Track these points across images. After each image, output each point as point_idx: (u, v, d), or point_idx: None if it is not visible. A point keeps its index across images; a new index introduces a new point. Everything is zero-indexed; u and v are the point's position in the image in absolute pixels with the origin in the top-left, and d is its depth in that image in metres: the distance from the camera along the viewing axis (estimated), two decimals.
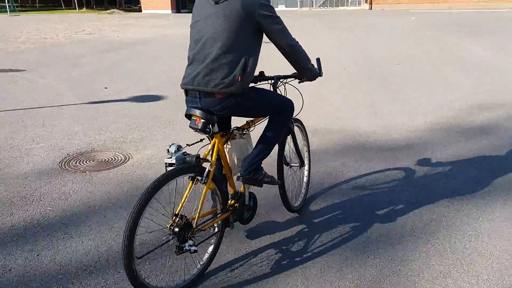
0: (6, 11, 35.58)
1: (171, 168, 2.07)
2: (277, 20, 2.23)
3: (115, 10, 40.11)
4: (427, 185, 3.65)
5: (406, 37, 14.93)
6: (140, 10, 44.54)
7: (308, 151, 3.21)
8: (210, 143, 2.36)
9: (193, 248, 2.10)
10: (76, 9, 44.94)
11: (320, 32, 17.50)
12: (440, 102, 6.49)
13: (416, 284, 2.33)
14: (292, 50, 2.32)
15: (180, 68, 9.96)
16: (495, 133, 4.98)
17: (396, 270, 2.46)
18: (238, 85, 2.16)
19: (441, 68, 9.12)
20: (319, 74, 2.60)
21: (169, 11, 42.89)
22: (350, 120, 5.65)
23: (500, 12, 29.61)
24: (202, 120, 2.18)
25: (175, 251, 2.10)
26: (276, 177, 3.25)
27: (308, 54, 2.45)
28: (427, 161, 4.16)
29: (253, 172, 2.42)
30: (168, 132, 5.33)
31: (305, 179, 3.23)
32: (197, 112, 2.19)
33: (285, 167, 3.01)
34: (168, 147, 2.15)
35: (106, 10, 40.17)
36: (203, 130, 2.20)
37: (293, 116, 2.65)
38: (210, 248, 2.41)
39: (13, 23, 25.03)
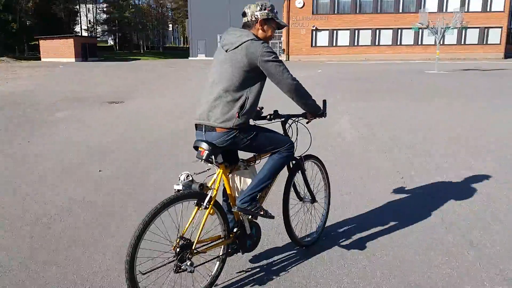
0: None
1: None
2: (277, 64, 2.44)
3: (3, 58, 34.88)
4: None
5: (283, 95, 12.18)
6: (39, 58, 39.67)
7: (327, 189, 3.29)
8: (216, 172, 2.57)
9: (189, 268, 2.25)
10: None
11: None
12: None
13: None
14: (292, 89, 2.51)
15: None
16: None
17: None
18: (235, 121, 2.41)
19: None
20: (323, 114, 2.79)
21: (73, 60, 38.53)
22: None
23: (411, 64, 29.28)
24: (206, 152, 2.39)
25: (173, 269, 2.26)
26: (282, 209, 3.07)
27: (308, 92, 2.64)
28: None
29: (247, 203, 2.55)
30: None
31: (321, 216, 3.29)
32: (202, 144, 2.43)
33: (300, 202, 3.10)
34: (179, 175, 2.41)
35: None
36: (206, 159, 2.41)
37: (304, 153, 2.95)
38: (213, 271, 2.55)
39: None
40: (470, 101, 10.48)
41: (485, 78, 17.09)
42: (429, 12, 22.76)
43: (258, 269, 2.79)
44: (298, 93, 2.53)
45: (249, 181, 2.64)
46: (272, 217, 2.66)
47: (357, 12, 36.84)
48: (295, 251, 3.03)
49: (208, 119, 2.44)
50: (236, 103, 2.40)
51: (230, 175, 2.63)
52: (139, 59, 45.69)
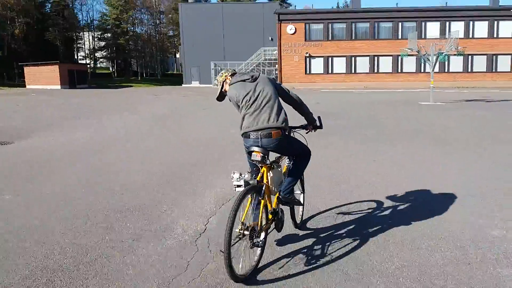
0: None
1: (239, 188, 3.01)
2: (285, 87, 3.40)
3: None
4: None
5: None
6: (24, 85, 38.47)
7: (302, 183, 3.87)
8: (260, 171, 3.17)
9: (260, 243, 2.95)
10: None
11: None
12: None
13: None
14: (300, 100, 3.43)
15: None
16: None
17: None
18: (286, 125, 3.15)
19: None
20: (320, 126, 3.56)
21: (58, 87, 37.14)
22: None
23: (409, 92, 26.76)
24: (261, 154, 3.03)
25: (249, 246, 2.89)
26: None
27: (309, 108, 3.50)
28: None
29: (289, 194, 3.29)
30: None
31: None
32: (257, 149, 3.04)
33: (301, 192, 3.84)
34: (232, 174, 3.07)
35: None
36: (262, 162, 3.07)
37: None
38: (259, 249, 3.09)
39: None
40: (447, 150, 7.91)
41: (486, 112, 14.46)
42: (429, 38, 20.58)
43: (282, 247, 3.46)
44: (305, 104, 3.47)
45: (277, 178, 3.28)
46: (302, 204, 3.69)
47: (353, 38, 34.81)
48: (297, 232, 3.77)
49: (266, 122, 3.08)
50: (283, 111, 3.19)
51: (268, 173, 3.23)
52: (131, 86, 44.29)
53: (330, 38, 35.05)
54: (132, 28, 59.91)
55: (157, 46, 63.96)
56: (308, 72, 35.41)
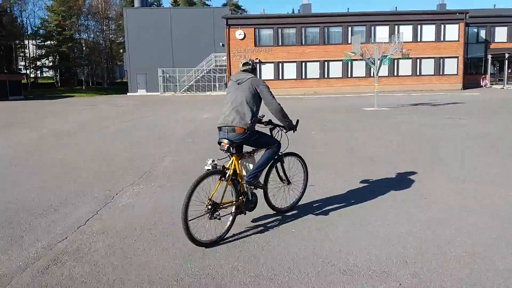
0: None
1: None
2: (269, 92, 3.88)
3: None
4: None
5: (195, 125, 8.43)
6: None
7: (305, 177, 4.59)
8: (230, 160, 3.83)
9: (218, 216, 3.56)
10: None
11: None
12: None
13: None
14: (277, 109, 3.90)
15: None
16: None
17: None
18: (248, 126, 3.75)
19: None
20: (295, 129, 4.16)
21: None
22: None
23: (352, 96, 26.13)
24: (227, 145, 3.72)
25: (208, 217, 3.52)
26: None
27: (287, 113, 4.02)
28: None
29: (252, 179, 3.88)
30: None
31: (298, 195, 4.54)
32: (224, 140, 3.74)
33: (281, 183, 4.33)
34: (207, 161, 3.63)
35: None
36: (227, 151, 3.74)
37: (282, 152, 4.22)
38: (229, 221, 3.77)
39: None
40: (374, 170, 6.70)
41: (428, 118, 13.62)
42: (378, 42, 19.85)
43: (256, 224, 4.06)
44: (280, 113, 3.94)
45: (250, 166, 3.95)
46: (265, 188, 4.13)
47: (303, 43, 34.02)
48: (279, 216, 4.26)
49: (231, 123, 3.74)
50: (248, 114, 3.75)
51: (239, 161, 3.86)
52: (73, 96, 41.38)
53: (280, 44, 34.07)
54: (77, 36, 56.62)
55: (105, 54, 60.82)
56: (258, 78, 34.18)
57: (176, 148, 8.70)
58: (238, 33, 33.55)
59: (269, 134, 4.14)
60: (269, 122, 4.13)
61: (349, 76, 34.14)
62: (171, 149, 8.56)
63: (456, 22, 33.87)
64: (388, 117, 13.98)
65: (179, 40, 39.34)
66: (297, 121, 4.15)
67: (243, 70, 3.99)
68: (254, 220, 4.12)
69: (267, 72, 33.63)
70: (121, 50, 59.03)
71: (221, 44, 37.85)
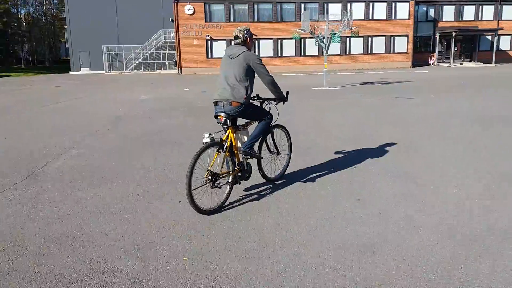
0: None
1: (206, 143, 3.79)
2: (262, 66, 4.01)
3: None
4: None
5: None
6: None
7: (290, 146, 4.86)
8: (226, 132, 4.01)
9: (219, 185, 3.84)
10: None
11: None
12: None
13: None
14: (270, 81, 4.08)
15: None
16: None
17: None
18: (243, 100, 3.93)
19: None
20: (285, 99, 4.38)
21: None
22: None
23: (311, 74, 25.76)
24: (224, 118, 3.92)
25: (210, 187, 3.79)
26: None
27: (279, 85, 4.23)
28: None
29: (249, 149, 4.12)
30: None
31: (284, 164, 4.85)
32: (221, 114, 3.94)
33: (270, 154, 4.60)
34: (204, 134, 3.80)
35: None
36: (224, 124, 3.96)
37: (273, 123, 4.43)
38: (227, 190, 4.05)
39: None
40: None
41: (374, 98, 13.36)
42: (330, 20, 19.28)
43: (250, 193, 4.36)
44: (273, 84, 4.11)
45: (245, 138, 4.21)
46: (261, 157, 4.38)
47: (256, 20, 33.00)
48: (269, 185, 4.57)
49: (228, 97, 3.91)
50: (244, 89, 3.91)
51: (234, 134, 4.06)
52: (9, 75, 38.08)
53: (232, 20, 32.79)
54: (14, 10, 52.03)
55: (47, 30, 56.54)
56: (210, 57, 32.91)
57: (89, 139, 7.63)
58: (187, 8, 31.90)
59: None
60: (258, 96, 4.41)
61: (302, 54, 33.66)
62: (81, 140, 7.51)
63: (407, 0, 34.10)
64: (335, 97, 13.58)
65: (125, 15, 36.95)
66: (287, 92, 4.39)
67: (236, 44, 4.09)
68: (247, 189, 4.45)
69: (218, 50, 32.37)
70: (64, 26, 54.96)
71: (170, 19, 35.94)
